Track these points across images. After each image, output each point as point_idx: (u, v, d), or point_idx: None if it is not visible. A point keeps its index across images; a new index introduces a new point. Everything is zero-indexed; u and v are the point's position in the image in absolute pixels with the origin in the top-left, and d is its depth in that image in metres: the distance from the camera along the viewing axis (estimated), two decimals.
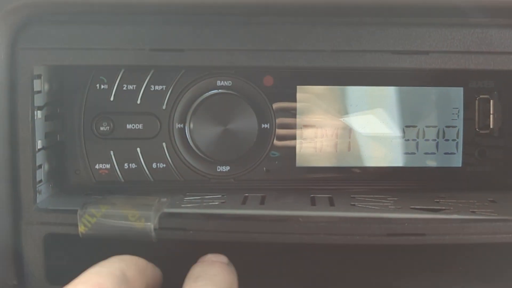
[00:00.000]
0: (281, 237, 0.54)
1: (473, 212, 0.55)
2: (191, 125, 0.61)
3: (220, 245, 0.51)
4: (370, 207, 0.56)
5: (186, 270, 0.47)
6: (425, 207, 0.56)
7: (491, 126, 0.63)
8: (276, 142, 0.62)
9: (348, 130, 0.62)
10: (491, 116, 0.64)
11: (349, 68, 0.53)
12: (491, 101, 0.63)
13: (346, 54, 0.52)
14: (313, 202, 0.58)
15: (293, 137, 0.62)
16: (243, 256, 0.52)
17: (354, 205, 0.57)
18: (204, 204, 0.57)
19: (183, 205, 0.56)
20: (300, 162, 0.62)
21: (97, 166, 0.60)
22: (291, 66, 0.52)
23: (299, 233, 0.54)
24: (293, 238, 0.53)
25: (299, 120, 0.62)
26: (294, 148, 0.62)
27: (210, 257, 0.49)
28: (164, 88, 0.61)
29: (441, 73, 0.63)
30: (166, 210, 0.54)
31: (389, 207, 0.56)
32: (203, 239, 0.54)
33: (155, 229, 0.51)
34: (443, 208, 0.56)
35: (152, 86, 0.60)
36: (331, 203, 0.58)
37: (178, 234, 0.53)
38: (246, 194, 0.60)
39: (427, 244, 0.54)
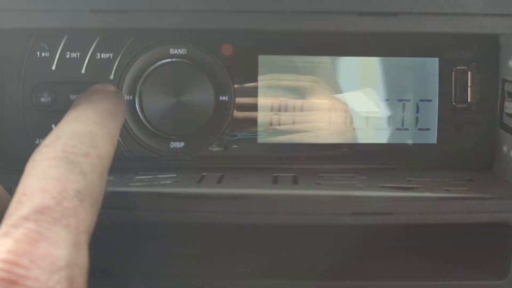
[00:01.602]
0: (237, 217, 0.52)
1: (447, 190, 0.52)
2: (141, 97, 0.59)
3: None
4: (338, 185, 0.53)
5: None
6: (395, 185, 0.53)
7: (468, 100, 0.61)
8: (235, 116, 0.60)
9: (314, 104, 0.59)
10: (468, 89, 0.62)
11: (310, 31, 0.50)
12: (469, 72, 0.61)
13: (307, 16, 0.50)
14: (275, 181, 0.55)
15: (255, 111, 0.60)
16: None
17: (319, 183, 0.55)
18: (155, 183, 0.54)
19: (131, 184, 0.55)
20: (262, 138, 0.60)
21: (37, 141, 0.57)
22: (244, 28, 0.50)
23: (256, 213, 0.52)
24: (250, 218, 0.51)
25: (261, 92, 0.60)
26: (255, 123, 0.60)
27: (96, 86, 0.50)
28: (111, 56, 0.59)
29: (414, 42, 0.61)
30: (110, 189, 0.51)
31: (357, 185, 0.54)
32: (151, 220, 0.51)
33: None
34: (415, 186, 0.53)
35: (98, 54, 0.58)
36: (295, 181, 0.55)
37: (123, 215, 0.51)
38: (204, 174, 0.57)
39: (396, 224, 0.51)
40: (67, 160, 0.40)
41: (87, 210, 0.39)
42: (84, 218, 0.38)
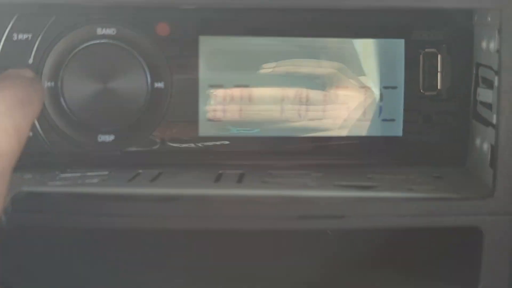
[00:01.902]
0: (169, 222, 0.45)
1: (410, 189, 0.46)
2: (64, 84, 0.52)
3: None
4: (286, 184, 0.47)
5: None
6: (351, 183, 0.47)
7: (438, 87, 0.55)
8: (173, 105, 0.54)
9: (263, 91, 0.53)
10: (438, 74, 0.56)
11: (252, 7, 0.44)
12: (439, 56, 0.56)
13: None
14: (217, 179, 0.48)
15: (195, 100, 0.54)
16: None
17: (266, 182, 0.48)
18: (79, 182, 0.48)
19: (50, 183, 0.49)
20: (204, 130, 0.53)
21: None
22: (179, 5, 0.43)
23: (190, 216, 0.45)
24: (184, 223, 0.45)
25: (202, 78, 0.54)
26: (196, 113, 0.54)
27: (10, 71, 0.45)
28: (30, 38, 0.52)
29: (376, 21, 0.55)
30: (26, 188, 0.46)
31: (308, 184, 0.47)
32: (70, 225, 0.46)
33: (6, 212, 0.41)
34: (374, 185, 0.47)
35: (16, 35, 0.52)
36: (240, 180, 0.48)
37: (36, 219, 0.45)
38: (140, 171, 0.50)
39: (350, 229, 0.44)
40: None
41: None
42: None
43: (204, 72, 0.54)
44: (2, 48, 0.52)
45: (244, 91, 0.54)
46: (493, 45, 0.48)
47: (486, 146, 0.50)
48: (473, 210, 0.46)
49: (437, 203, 0.46)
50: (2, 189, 0.37)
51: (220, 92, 0.54)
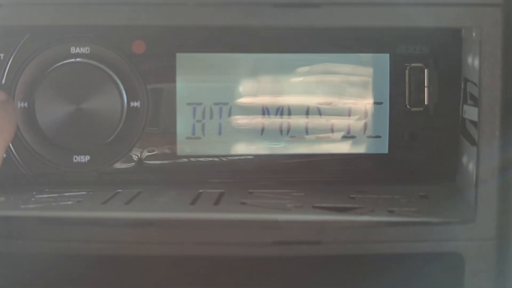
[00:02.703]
0: (137, 248, 0.44)
1: (391, 212, 0.45)
2: (38, 104, 0.52)
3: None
4: (264, 206, 0.46)
5: None
6: (331, 205, 0.46)
7: (425, 102, 0.54)
8: (150, 125, 0.53)
9: (244, 109, 0.52)
10: (425, 89, 0.54)
11: (221, 26, 0.43)
12: (426, 70, 0.54)
13: (213, 9, 0.42)
14: (194, 200, 0.48)
15: (173, 118, 0.53)
16: None
17: (244, 203, 0.47)
18: (53, 204, 0.47)
19: (24, 206, 0.48)
20: (182, 150, 0.52)
21: None
22: (135, 23, 0.45)
23: (161, 242, 0.44)
24: (153, 249, 0.44)
25: (180, 96, 0.53)
26: (174, 132, 0.53)
27: None
28: (2, 57, 0.52)
29: (360, 35, 0.54)
30: None
31: (287, 206, 0.46)
32: (39, 251, 0.44)
33: None
34: (355, 206, 0.46)
35: None
36: (217, 201, 0.47)
37: (5, 244, 0.43)
38: (119, 190, 0.49)
39: (326, 256, 0.43)
40: None
41: None
42: None
43: (181, 90, 0.53)
44: None
45: (224, 108, 0.53)
46: (477, 62, 0.46)
47: (471, 166, 0.48)
48: (454, 236, 0.45)
49: (417, 228, 0.45)
50: None
51: (198, 109, 0.53)
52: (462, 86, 0.52)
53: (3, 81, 0.52)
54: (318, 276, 0.48)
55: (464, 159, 0.50)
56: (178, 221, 0.47)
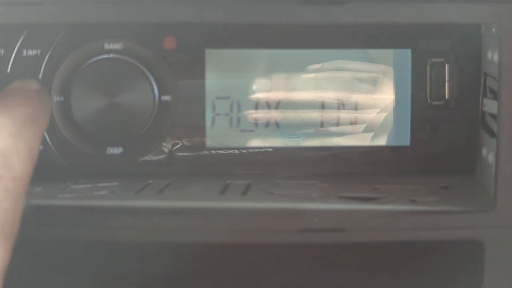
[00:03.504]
0: (170, 235, 0.47)
1: (414, 201, 0.47)
2: (73, 98, 0.53)
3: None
4: (290, 196, 0.48)
5: None
6: (356, 195, 0.48)
7: (446, 97, 0.55)
8: (180, 118, 0.55)
9: (270, 103, 0.54)
10: (446, 84, 0.56)
11: (250, 23, 0.45)
12: (446, 65, 0.55)
13: (242, 6, 0.44)
14: (223, 190, 0.50)
15: (202, 111, 0.55)
16: None
17: (271, 193, 0.49)
18: (88, 194, 0.49)
19: (60, 196, 0.50)
20: (211, 142, 0.54)
21: None
22: (168, 20, 0.47)
23: (192, 230, 0.46)
24: (185, 236, 0.46)
25: (209, 90, 0.55)
26: (203, 125, 0.55)
27: (16, 84, 0.46)
28: (39, 53, 0.54)
29: (383, 31, 0.55)
30: (35, 202, 0.47)
31: (312, 196, 0.48)
32: (77, 238, 0.47)
33: None
34: (379, 196, 0.48)
35: (25, 51, 0.53)
36: (245, 191, 0.49)
37: (43, 232, 0.47)
38: (150, 181, 0.51)
39: (351, 242, 0.45)
40: None
41: (1, 245, 0.35)
42: None
43: (210, 84, 0.55)
44: (12, 64, 0.53)
45: (251, 102, 0.55)
46: (496, 57, 0.48)
47: (491, 157, 0.50)
48: (474, 224, 0.47)
49: (438, 216, 0.47)
50: (17, 214, 0.38)
51: (226, 103, 0.55)
52: (482, 80, 0.53)
53: (40, 76, 0.54)
54: (343, 262, 0.50)
55: (484, 151, 0.52)
56: (209, 210, 0.49)
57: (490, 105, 0.51)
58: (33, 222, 0.46)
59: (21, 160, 0.39)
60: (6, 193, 0.37)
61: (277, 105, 0.55)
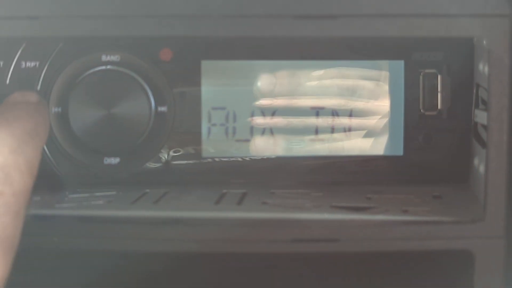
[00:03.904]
0: (165, 245, 0.47)
1: (405, 211, 0.47)
2: (71, 109, 0.54)
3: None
4: (284, 205, 0.49)
5: None
6: (348, 205, 0.48)
7: (439, 107, 0.56)
8: (176, 128, 0.56)
9: (265, 113, 0.55)
10: (438, 94, 0.56)
11: (242, 37, 0.46)
12: (439, 76, 0.56)
13: (238, 21, 0.45)
14: (219, 200, 0.50)
15: (198, 122, 0.56)
16: None
17: (266, 203, 0.50)
18: (85, 204, 0.50)
19: (58, 205, 0.51)
20: (207, 152, 0.55)
21: None
22: (164, 34, 0.48)
23: (187, 239, 0.47)
24: (180, 246, 0.47)
25: (205, 101, 0.56)
26: (199, 135, 0.56)
27: (15, 96, 0.46)
28: (38, 65, 0.55)
29: (376, 43, 0.55)
30: (33, 211, 0.47)
31: (306, 205, 0.49)
32: (73, 248, 0.48)
33: None
34: (371, 206, 0.49)
35: (24, 63, 0.54)
36: (240, 201, 0.50)
37: (41, 242, 0.47)
38: (147, 191, 0.52)
39: (344, 252, 0.46)
40: None
41: (1, 259, 0.36)
42: None
43: (206, 95, 0.55)
44: (11, 75, 0.54)
45: (245, 112, 0.56)
46: (487, 69, 0.48)
47: (482, 167, 0.50)
48: (465, 234, 0.47)
49: (429, 226, 0.48)
50: (17, 228, 0.38)
51: (222, 114, 0.55)
52: (474, 91, 0.54)
53: (39, 87, 0.54)
54: (334, 272, 0.50)
55: (476, 161, 0.53)
56: (204, 220, 0.49)
57: (481, 116, 0.51)
58: (31, 231, 0.46)
59: (21, 175, 0.39)
60: (6, 208, 0.37)
61: (272, 114, 0.56)
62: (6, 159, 0.39)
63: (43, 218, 0.49)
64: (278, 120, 0.56)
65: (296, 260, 0.50)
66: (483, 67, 0.50)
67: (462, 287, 0.49)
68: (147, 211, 0.50)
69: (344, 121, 0.56)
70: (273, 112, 0.56)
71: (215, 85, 0.56)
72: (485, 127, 0.50)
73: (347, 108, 0.56)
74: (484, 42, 0.49)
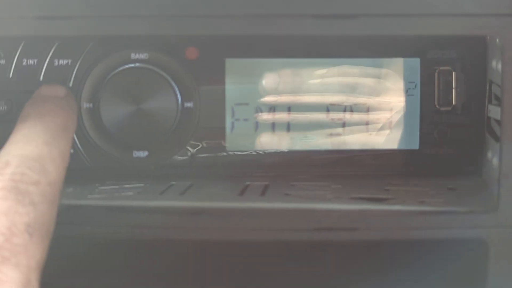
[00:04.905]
0: (197, 233, 0.50)
1: (422, 202, 0.49)
2: (102, 105, 0.56)
3: None
4: (305, 197, 0.50)
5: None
6: (367, 196, 0.50)
7: (453, 103, 0.58)
8: (201, 123, 0.57)
9: (286, 109, 0.56)
10: (453, 90, 0.58)
11: (264, 35, 0.48)
12: (453, 73, 0.58)
13: (261, 20, 0.47)
14: (242, 192, 0.52)
15: (222, 117, 0.57)
16: None
17: (288, 194, 0.52)
18: (116, 194, 0.52)
19: (89, 196, 0.53)
20: (231, 146, 0.57)
21: None
22: (190, 33, 0.49)
23: (213, 228, 0.48)
24: (210, 234, 0.49)
25: (229, 97, 0.57)
26: (223, 129, 0.58)
27: (45, 90, 0.48)
28: (70, 63, 0.57)
29: (393, 41, 0.57)
30: (67, 201, 0.49)
31: (326, 197, 0.51)
32: (106, 237, 0.49)
33: None
34: (389, 197, 0.50)
35: (56, 61, 0.56)
36: (263, 192, 0.52)
37: (75, 230, 0.49)
38: (173, 183, 0.54)
39: (363, 241, 0.48)
40: (16, 191, 0.38)
41: (38, 244, 0.37)
42: (34, 254, 0.36)
43: (230, 91, 0.57)
44: (44, 73, 0.56)
45: (267, 108, 0.58)
46: (500, 66, 0.50)
47: (495, 160, 0.52)
48: (479, 223, 0.49)
49: (445, 216, 0.49)
50: (53, 216, 0.40)
51: (245, 109, 0.57)
52: (487, 87, 0.55)
53: (71, 84, 0.56)
54: (355, 259, 0.52)
55: (489, 154, 0.54)
56: (229, 210, 0.51)
57: (494, 111, 0.53)
58: (65, 220, 0.48)
59: (55, 166, 0.41)
60: (43, 196, 0.39)
61: (292, 110, 0.58)
62: (41, 151, 0.41)
63: (76, 208, 0.50)
64: (298, 116, 0.58)
65: (315, 248, 0.51)
66: (496, 64, 0.52)
67: (477, 274, 0.50)
68: (175, 201, 0.52)
69: (362, 116, 0.58)
70: (294, 108, 0.58)
71: (238, 82, 0.57)
72: (498, 121, 0.52)
73: (365, 104, 0.58)
74: (497, 40, 0.50)
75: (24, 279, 0.35)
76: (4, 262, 0.35)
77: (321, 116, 0.58)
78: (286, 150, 0.59)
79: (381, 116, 0.58)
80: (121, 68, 0.57)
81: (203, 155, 0.58)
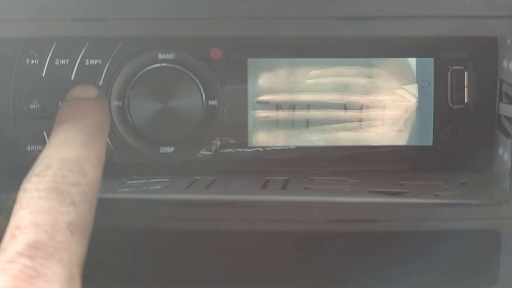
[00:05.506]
0: (222, 225, 0.52)
1: (436, 195, 0.51)
2: (131, 103, 0.58)
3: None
4: (325, 190, 0.52)
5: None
6: (384, 190, 0.52)
7: (465, 101, 0.60)
8: (225, 120, 0.59)
9: (306, 106, 0.58)
10: (465, 89, 0.60)
11: (288, 36, 0.50)
12: (466, 72, 0.60)
13: (285, 22, 0.49)
14: (264, 185, 0.54)
15: (245, 115, 0.59)
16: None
17: (308, 188, 0.53)
18: (143, 188, 0.54)
19: (119, 190, 0.55)
20: (253, 142, 0.59)
21: (29, 148, 0.57)
22: (215, 34, 0.50)
23: (237, 220, 0.50)
24: (231, 226, 0.51)
25: (251, 96, 0.59)
26: (246, 126, 0.59)
27: (78, 92, 0.49)
28: (100, 63, 0.59)
29: (408, 42, 0.59)
30: (98, 195, 0.51)
31: (345, 190, 0.53)
32: (136, 227, 0.52)
33: None
34: (405, 191, 0.52)
35: (87, 61, 0.58)
36: (284, 186, 0.54)
37: (106, 221, 0.50)
38: (197, 177, 0.56)
39: (382, 232, 0.50)
40: (58, 191, 0.40)
41: (79, 241, 0.39)
42: (76, 250, 0.38)
43: (252, 90, 0.60)
44: (76, 72, 0.58)
45: (288, 106, 0.60)
46: (511, 65, 0.52)
47: (506, 156, 0.54)
48: (491, 215, 0.51)
49: (459, 208, 0.51)
50: (91, 215, 0.42)
51: (266, 107, 0.60)
52: (498, 86, 0.57)
53: (101, 83, 0.59)
54: (373, 249, 0.54)
55: (500, 150, 0.56)
56: (253, 202, 0.53)
57: (505, 109, 0.55)
58: (96, 213, 0.50)
59: (93, 167, 0.43)
60: (82, 196, 0.41)
61: (311, 108, 0.60)
62: (80, 153, 0.43)
63: (107, 201, 0.51)
64: (317, 113, 0.60)
65: (338, 238, 0.53)
66: (507, 64, 0.54)
67: (489, 263, 0.52)
68: (200, 194, 0.53)
69: (378, 114, 0.60)
70: (312, 105, 0.60)
71: (260, 81, 0.60)
72: (509, 119, 0.54)
73: (382, 103, 0.60)
74: (508, 41, 0.52)
75: (67, 274, 0.37)
76: (49, 258, 0.37)
77: (339, 114, 0.60)
78: (305, 146, 0.61)
79: (396, 114, 0.60)
80: (149, 67, 0.59)
81: (226, 150, 0.60)
